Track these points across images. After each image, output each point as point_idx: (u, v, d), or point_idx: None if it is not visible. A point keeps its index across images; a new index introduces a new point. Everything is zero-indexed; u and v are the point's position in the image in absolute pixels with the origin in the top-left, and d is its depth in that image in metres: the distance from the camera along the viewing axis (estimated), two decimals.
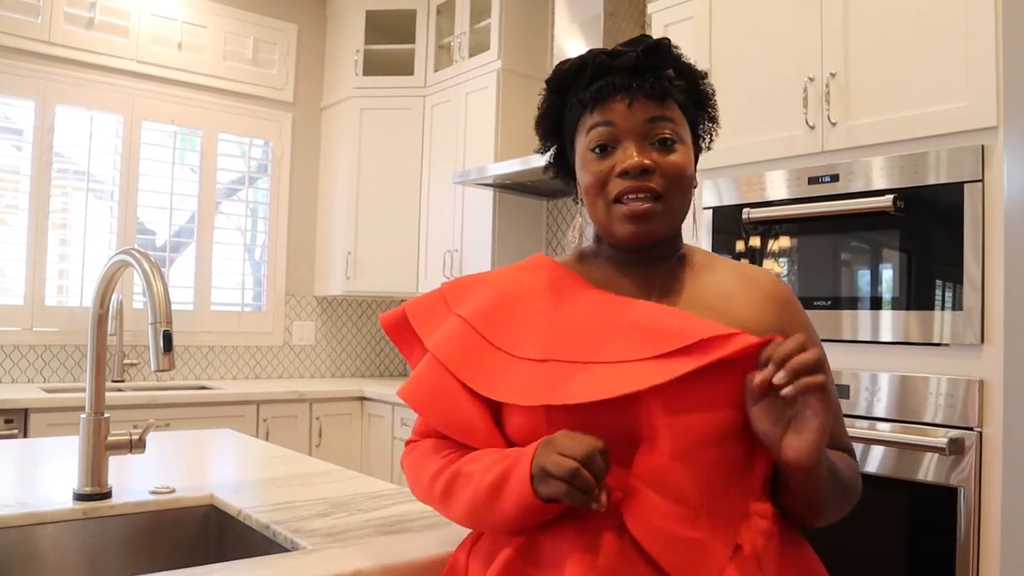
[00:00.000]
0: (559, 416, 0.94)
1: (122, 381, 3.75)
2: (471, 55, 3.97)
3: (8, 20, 3.61)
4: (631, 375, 0.92)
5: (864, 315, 2.04)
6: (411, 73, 4.29)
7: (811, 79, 2.19)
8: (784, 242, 2.22)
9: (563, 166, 1.16)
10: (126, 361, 3.83)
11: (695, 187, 1.08)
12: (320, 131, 4.62)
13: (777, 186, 2.25)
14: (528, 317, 1.06)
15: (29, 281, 3.65)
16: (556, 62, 3.60)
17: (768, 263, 2.24)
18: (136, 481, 1.53)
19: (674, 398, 0.91)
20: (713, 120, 1.12)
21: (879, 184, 2.03)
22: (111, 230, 3.90)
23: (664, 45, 1.06)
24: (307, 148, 4.57)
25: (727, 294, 1.06)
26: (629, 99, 1.02)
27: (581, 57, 1.09)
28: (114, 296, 3.69)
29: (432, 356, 1.06)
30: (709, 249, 2.39)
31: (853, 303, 2.07)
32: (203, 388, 3.76)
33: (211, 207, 4.22)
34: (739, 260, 2.30)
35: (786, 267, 2.20)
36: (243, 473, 1.70)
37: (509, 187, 3.78)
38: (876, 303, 2.02)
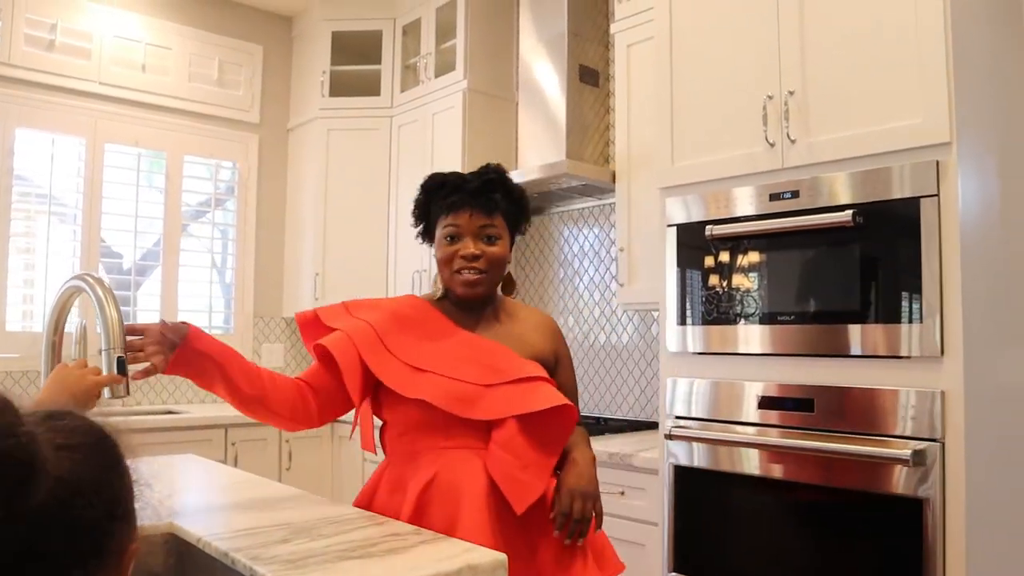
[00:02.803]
0: (425, 407, 1.56)
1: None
2: (437, 75, 3.98)
3: None
4: (500, 400, 1.57)
5: (825, 329, 2.06)
6: (378, 93, 4.29)
7: (770, 97, 2.22)
8: (750, 258, 2.24)
9: (428, 237, 1.74)
10: None
11: (509, 262, 1.71)
12: (287, 152, 4.60)
13: (740, 203, 2.27)
14: (411, 337, 1.64)
15: None
16: (522, 81, 3.62)
17: (737, 278, 2.25)
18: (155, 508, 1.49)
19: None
20: (528, 220, 1.75)
21: (839, 199, 2.06)
22: (74, 254, 3.84)
23: (499, 178, 1.67)
24: (274, 169, 4.55)
25: (525, 329, 1.74)
26: (471, 211, 1.63)
27: (444, 176, 1.69)
28: (77, 321, 3.63)
29: (343, 333, 1.62)
30: (675, 266, 2.41)
31: (818, 317, 2.09)
32: (170, 412, 3.71)
33: (177, 229, 4.18)
34: (708, 275, 2.32)
35: (755, 282, 2.22)
36: (205, 499, 1.67)
37: None
38: (839, 317, 2.04)
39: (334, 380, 1.63)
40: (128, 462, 0.74)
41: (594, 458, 1.68)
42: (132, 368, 1.41)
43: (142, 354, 1.45)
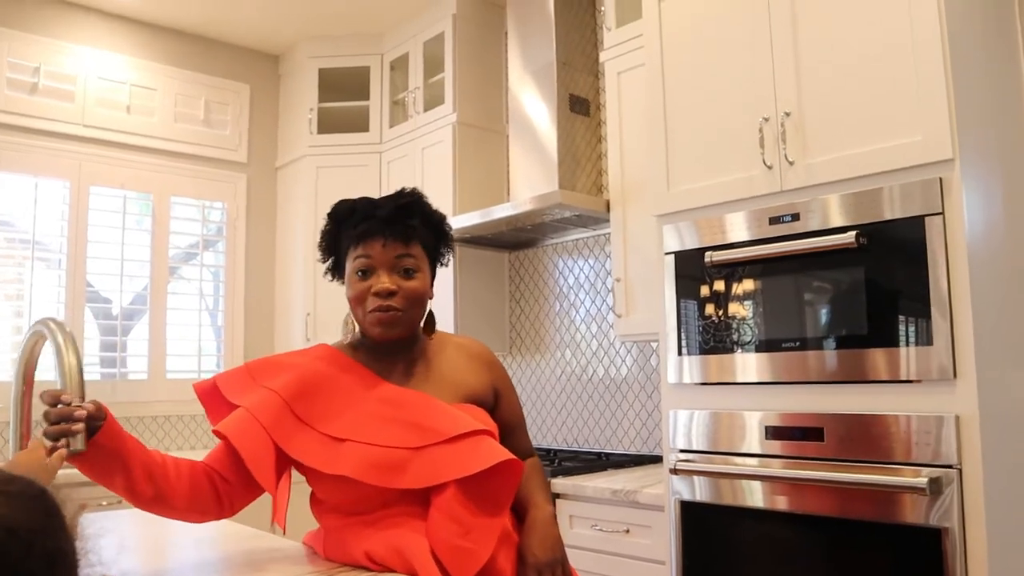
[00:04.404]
0: (350, 482, 1.37)
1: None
2: (426, 109, 3.95)
3: None
4: (432, 463, 1.38)
5: (831, 355, 1.99)
6: (366, 129, 4.26)
7: (766, 119, 2.18)
8: (748, 285, 2.17)
9: (338, 272, 1.55)
10: None
11: (431, 298, 1.52)
12: (276, 191, 4.55)
13: (738, 228, 2.21)
14: (325, 400, 1.45)
15: None
16: (512, 112, 3.59)
17: (733, 307, 2.19)
18: (106, 568, 1.40)
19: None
20: (450, 248, 1.58)
21: (840, 221, 2.00)
22: (59, 299, 3.76)
23: (415, 201, 1.50)
24: (263, 209, 4.50)
25: (455, 367, 1.55)
26: (384, 241, 1.44)
27: (353, 202, 1.50)
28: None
29: (246, 412, 1.40)
30: (673, 295, 2.34)
31: (819, 343, 2.02)
32: None
33: (164, 272, 4.10)
34: (707, 303, 2.25)
35: (751, 310, 2.16)
36: (181, 557, 1.58)
37: (469, 240, 3.72)
38: (845, 342, 1.97)
39: (243, 466, 1.40)
40: (69, 520, 0.70)
41: (553, 514, 1.53)
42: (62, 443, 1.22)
43: (73, 427, 1.22)
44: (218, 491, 1.42)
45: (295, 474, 1.49)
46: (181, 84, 4.21)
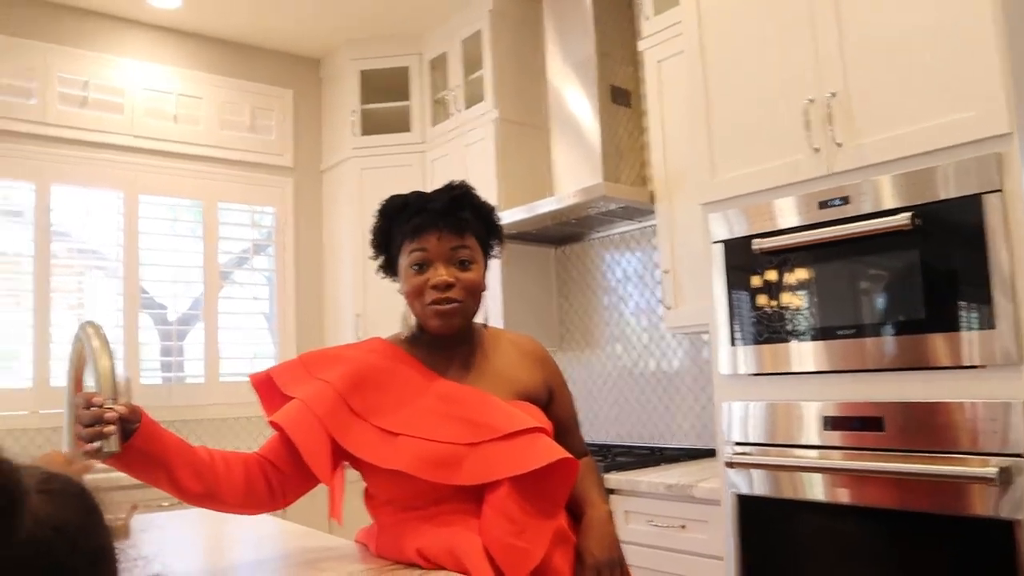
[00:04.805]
0: (405, 474, 1.36)
1: None
2: (467, 107, 3.94)
3: (3, 104, 3.61)
4: (487, 460, 1.37)
5: (888, 341, 1.93)
6: (408, 129, 4.27)
7: (811, 101, 2.11)
8: (799, 271, 2.12)
9: (391, 270, 1.55)
10: None
11: (484, 290, 1.51)
12: (322, 194, 4.59)
13: (786, 214, 2.16)
14: (380, 394, 1.44)
15: (36, 363, 3.59)
16: (553, 106, 3.56)
17: (785, 295, 2.13)
18: (145, 564, 1.42)
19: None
20: (501, 240, 1.58)
21: (893, 203, 1.94)
22: (117, 307, 3.85)
23: (466, 193, 1.49)
24: (310, 212, 4.54)
25: (509, 363, 1.55)
26: (439, 233, 1.44)
27: (405, 196, 1.50)
28: (121, 372, 3.62)
29: (302, 403, 1.41)
30: (723, 284, 2.29)
31: (876, 330, 1.95)
32: None
33: (215, 277, 4.17)
34: (758, 292, 2.20)
35: (803, 297, 2.10)
36: (236, 556, 1.60)
37: (515, 236, 3.70)
38: (900, 328, 1.91)
39: (298, 457, 1.40)
40: (110, 518, 0.71)
41: (611, 513, 1.51)
42: (95, 442, 1.24)
43: (105, 429, 1.24)
44: (271, 482, 1.43)
45: (349, 472, 1.49)
46: (226, 92, 4.27)
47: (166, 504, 3.12)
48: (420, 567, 1.37)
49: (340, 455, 1.43)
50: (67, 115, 3.77)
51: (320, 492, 1.54)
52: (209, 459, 1.39)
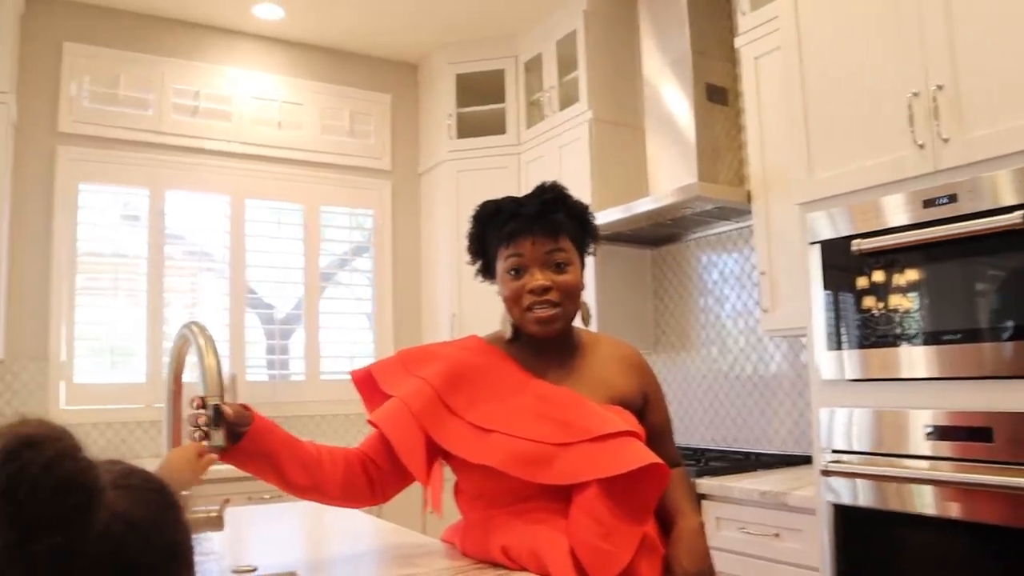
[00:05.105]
0: (495, 471, 1.37)
1: None
2: (561, 108, 3.94)
3: (125, 116, 3.85)
4: (577, 460, 1.36)
5: (1004, 347, 1.82)
6: (504, 132, 4.30)
7: (915, 94, 2.02)
8: (904, 272, 2.02)
9: (488, 273, 1.58)
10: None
11: (583, 289, 1.52)
12: (419, 197, 4.68)
13: (888, 213, 2.06)
14: (475, 392, 1.46)
15: (149, 359, 3.79)
16: (648, 106, 3.52)
17: (892, 295, 2.03)
18: (218, 559, 1.49)
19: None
20: (596, 238, 1.58)
21: (1006, 200, 1.82)
22: (224, 306, 4.02)
23: (558, 195, 1.50)
24: (407, 214, 4.63)
25: (606, 367, 1.54)
26: (533, 238, 1.45)
27: (498, 202, 1.52)
28: (227, 369, 3.79)
29: (400, 401, 1.45)
30: (820, 286, 2.22)
31: (989, 334, 1.84)
32: None
33: (316, 278, 4.30)
34: (859, 293, 2.12)
35: (904, 300, 2.00)
36: (331, 549, 1.64)
37: (610, 238, 3.67)
38: (1014, 333, 1.80)
39: (396, 455, 1.45)
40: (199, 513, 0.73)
41: (702, 525, 1.48)
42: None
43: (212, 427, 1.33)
44: (371, 478, 1.48)
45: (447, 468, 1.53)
46: (327, 98, 4.41)
47: (267, 497, 3.23)
48: (504, 567, 1.38)
49: (436, 451, 1.46)
50: (180, 124, 3.97)
51: (414, 491, 1.58)
52: (316, 453, 1.44)
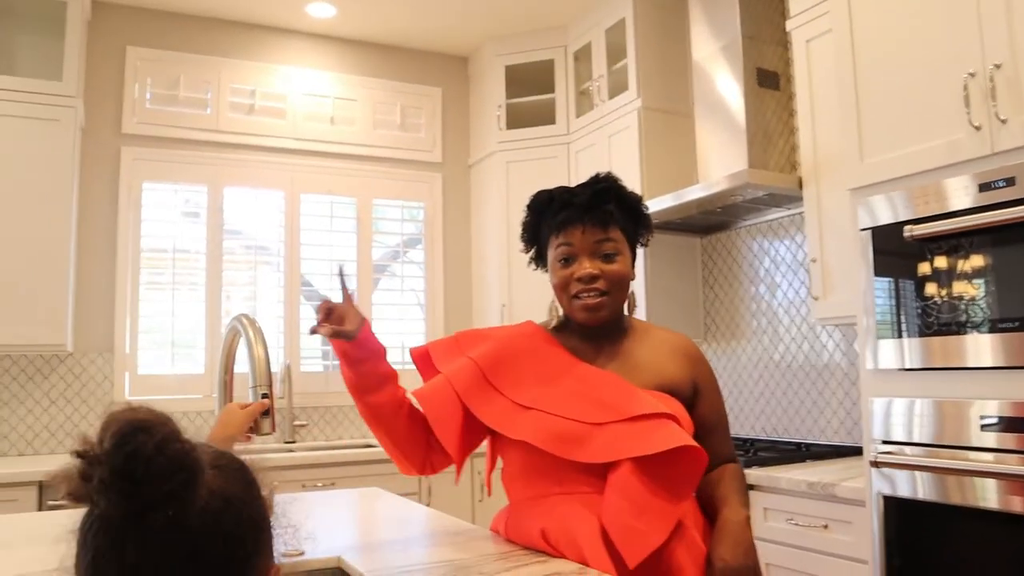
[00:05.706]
0: (532, 449, 1.42)
1: (293, 442, 3.91)
2: (610, 97, 3.92)
3: (185, 116, 3.96)
4: (611, 440, 1.39)
5: None
6: (553, 122, 4.29)
7: (971, 74, 1.96)
8: (958, 258, 1.97)
9: (541, 261, 1.62)
10: (296, 422, 4.00)
11: (632, 279, 1.54)
12: (469, 188, 4.71)
13: (943, 197, 2.01)
14: (521, 371, 1.51)
15: (208, 350, 3.90)
16: (697, 92, 3.49)
17: (947, 282, 1.98)
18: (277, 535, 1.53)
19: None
20: (649, 229, 1.61)
21: None
22: (279, 299, 4.11)
23: (610, 186, 1.53)
24: (458, 205, 4.67)
25: (655, 356, 1.55)
26: (583, 228, 1.49)
27: (551, 192, 1.56)
28: (282, 359, 3.88)
29: (444, 377, 1.52)
30: (870, 274, 2.17)
31: None
32: (368, 446, 3.85)
33: (369, 270, 4.37)
34: (912, 281, 2.08)
35: (969, 285, 1.95)
36: (377, 534, 1.68)
37: (660, 226, 3.64)
38: None
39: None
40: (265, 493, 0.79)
41: (748, 518, 1.46)
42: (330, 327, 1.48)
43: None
44: (429, 441, 1.57)
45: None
46: (378, 93, 4.46)
47: (320, 484, 3.31)
48: (544, 553, 1.40)
49: (477, 431, 1.53)
50: (236, 122, 4.07)
51: (464, 481, 1.66)
52: (402, 394, 1.58)
